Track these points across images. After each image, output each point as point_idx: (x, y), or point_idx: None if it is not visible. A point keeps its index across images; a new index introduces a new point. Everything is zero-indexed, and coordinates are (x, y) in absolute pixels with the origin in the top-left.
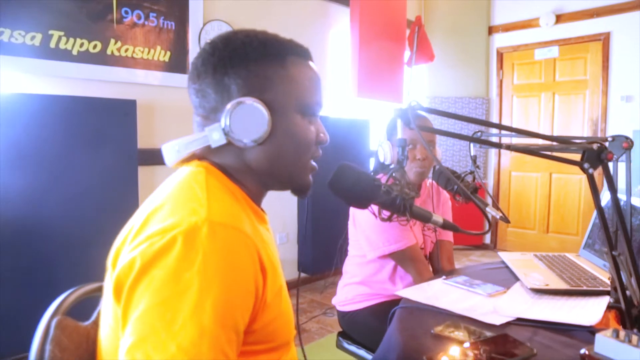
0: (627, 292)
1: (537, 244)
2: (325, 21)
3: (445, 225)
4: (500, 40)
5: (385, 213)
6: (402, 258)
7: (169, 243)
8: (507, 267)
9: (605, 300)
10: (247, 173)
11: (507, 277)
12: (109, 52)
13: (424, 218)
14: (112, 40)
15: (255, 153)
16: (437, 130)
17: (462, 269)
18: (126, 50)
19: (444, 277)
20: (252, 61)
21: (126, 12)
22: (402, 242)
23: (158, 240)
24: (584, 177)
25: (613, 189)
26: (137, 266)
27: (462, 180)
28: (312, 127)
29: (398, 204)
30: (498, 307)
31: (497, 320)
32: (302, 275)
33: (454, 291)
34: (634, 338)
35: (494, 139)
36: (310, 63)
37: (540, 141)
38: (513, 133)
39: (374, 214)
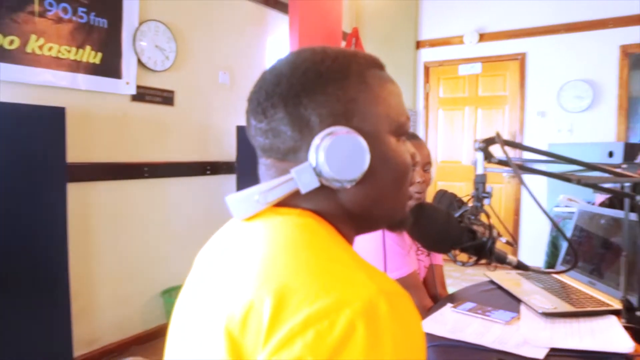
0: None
1: None
2: (264, 28)
3: (519, 266)
4: (427, 55)
5: (465, 257)
6: (402, 286)
7: (347, 330)
8: (500, 288)
9: (612, 320)
10: (342, 218)
11: (507, 300)
12: (29, 49)
13: (502, 259)
14: (33, 37)
15: (353, 193)
16: (537, 171)
17: (458, 293)
18: (50, 49)
19: (450, 304)
20: (329, 83)
21: (50, 5)
22: (402, 269)
23: (328, 328)
24: (503, 186)
25: None
26: None
27: (465, 205)
28: (406, 149)
29: (488, 248)
30: (529, 338)
31: (538, 354)
32: None
33: (472, 321)
34: None
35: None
36: (386, 73)
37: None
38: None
39: (453, 260)
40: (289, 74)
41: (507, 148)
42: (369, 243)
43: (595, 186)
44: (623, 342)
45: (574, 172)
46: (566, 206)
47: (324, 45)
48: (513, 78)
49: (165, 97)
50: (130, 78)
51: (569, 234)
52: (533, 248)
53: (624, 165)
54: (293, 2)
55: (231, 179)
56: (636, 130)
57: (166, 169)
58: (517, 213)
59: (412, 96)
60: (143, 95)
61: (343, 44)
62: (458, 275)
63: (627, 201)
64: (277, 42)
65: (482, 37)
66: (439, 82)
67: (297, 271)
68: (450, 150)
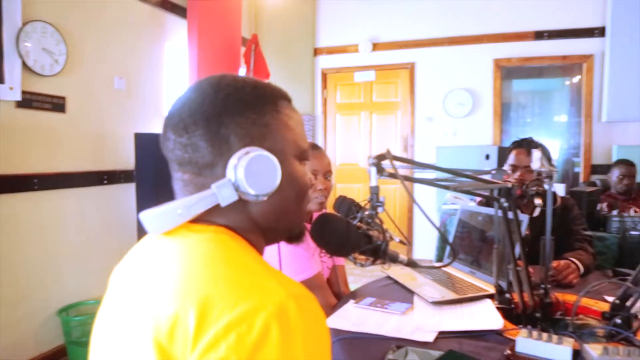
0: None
1: None
2: (162, 32)
3: (410, 263)
4: (324, 62)
5: (363, 258)
6: (308, 287)
7: (263, 331)
8: (396, 282)
9: (488, 302)
10: (253, 231)
11: (402, 293)
12: None
13: (394, 258)
14: None
15: (262, 207)
16: (421, 180)
17: (359, 290)
18: None
19: (352, 301)
20: (248, 108)
21: None
22: (308, 271)
23: (247, 331)
24: (397, 186)
25: (516, 215)
26: None
27: (362, 209)
28: (306, 172)
29: (383, 250)
30: (420, 325)
31: (429, 338)
32: None
33: (372, 314)
34: (544, 335)
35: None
36: (292, 105)
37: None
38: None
39: (353, 261)
40: (213, 95)
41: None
42: (276, 250)
43: (469, 192)
44: (495, 321)
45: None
46: (452, 204)
47: (241, 75)
48: (404, 85)
49: (56, 104)
50: (14, 83)
51: (455, 228)
52: (426, 242)
53: (494, 171)
54: (192, 7)
55: (130, 188)
56: (509, 133)
57: (59, 179)
58: (410, 211)
59: (311, 101)
60: (30, 101)
61: (243, 50)
62: (359, 272)
63: (496, 203)
64: (175, 47)
65: (376, 46)
66: (336, 88)
67: (216, 283)
68: (347, 153)
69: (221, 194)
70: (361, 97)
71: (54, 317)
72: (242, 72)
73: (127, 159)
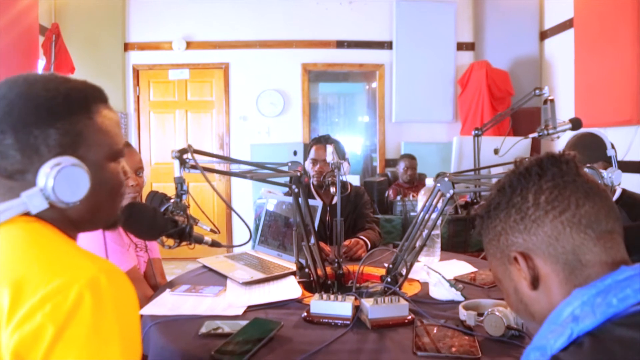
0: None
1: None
2: None
3: (214, 244)
4: (137, 57)
5: (170, 241)
6: None
7: (77, 299)
8: (212, 270)
9: (291, 278)
10: (66, 223)
11: (217, 278)
12: None
13: (199, 240)
14: None
15: (75, 209)
16: (220, 172)
17: (175, 280)
18: None
19: (168, 290)
20: (59, 119)
21: None
22: (123, 265)
23: (62, 300)
24: (215, 183)
25: (307, 202)
26: (50, 331)
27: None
28: (120, 169)
29: (187, 232)
30: (231, 302)
31: (238, 312)
32: None
33: (187, 299)
34: (332, 297)
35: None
36: (109, 105)
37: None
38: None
39: (162, 244)
40: (21, 105)
41: (215, 154)
42: (89, 244)
43: (264, 180)
44: (295, 291)
45: (258, 169)
46: (268, 198)
47: (56, 75)
48: (218, 85)
49: None
50: None
51: (263, 218)
52: (246, 231)
53: (290, 164)
54: None
55: None
56: (318, 131)
57: None
58: (231, 203)
59: (122, 99)
60: None
61: (41, 40)
62: (179, 271)
63: (294, 189)
64: None
65: (190, 45)
66: (149, 85)
67: (29, 265)
68: (163, 152)
69: (32, 202)
70: (176, 96)
71: None
72: (41, 64)
73: None
